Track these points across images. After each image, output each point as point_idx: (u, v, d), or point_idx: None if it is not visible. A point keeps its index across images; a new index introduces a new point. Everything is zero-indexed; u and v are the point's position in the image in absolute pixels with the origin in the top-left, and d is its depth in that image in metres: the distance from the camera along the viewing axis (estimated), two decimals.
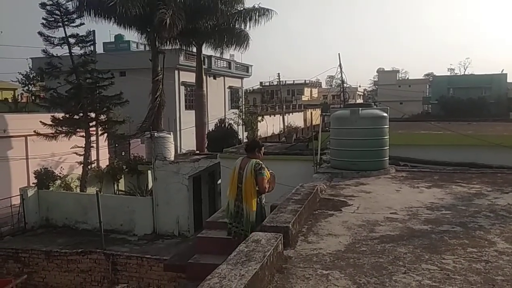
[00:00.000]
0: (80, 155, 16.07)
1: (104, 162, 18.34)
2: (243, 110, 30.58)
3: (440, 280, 2.83)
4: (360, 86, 74.29)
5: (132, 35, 21.62)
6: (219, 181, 14.21)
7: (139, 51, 27.76)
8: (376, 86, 68.27)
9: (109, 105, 16.97)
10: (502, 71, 58.57)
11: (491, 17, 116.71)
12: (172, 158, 15.51)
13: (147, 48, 21.10)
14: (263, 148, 4.99)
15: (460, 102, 47.57)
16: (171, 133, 17.20)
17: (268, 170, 4.75)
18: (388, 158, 7.33)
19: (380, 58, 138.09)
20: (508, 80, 59.30)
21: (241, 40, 20.64)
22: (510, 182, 6.14)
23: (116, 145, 21.47)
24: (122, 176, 17.09)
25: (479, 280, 2.82)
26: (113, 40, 30.97)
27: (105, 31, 62.71)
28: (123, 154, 21.36)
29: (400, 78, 68.09)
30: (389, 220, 4.32)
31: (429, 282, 2.80)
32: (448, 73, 71.47)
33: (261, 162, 4.71)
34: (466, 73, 68.95)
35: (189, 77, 24.58)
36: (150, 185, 16.01)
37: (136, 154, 17.94)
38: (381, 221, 4.29)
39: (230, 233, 4.76)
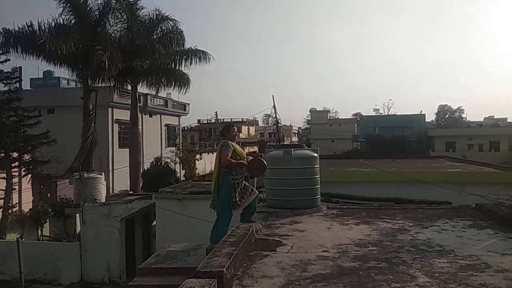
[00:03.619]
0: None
1: (27, 206, 16.99)
2: (181, 148, 30.28)
3: None
4: (293, 126, 77.08)
5: (62, 72, 20.85)
6: (154, 223, 13.74)
7: (70, 88, 26.80)
8: (310, 125, 71.24)
9: (34, 144, 15.99)
10: (421, 111, 64.16)
11: (412, 60, 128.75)
12: (103, 200, 14.79)
13: (79, 84, 20.47)
14: (231, 128, 6.06)
15: (385, 140, 51.09)
16: (103, 173, 16.48)
17: (248, 152, 6.08)
18: (320, 196, 7.62)
19: (312, 98, 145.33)
20: (427, 120, 65.12)
21: (182, 82, 20.82)
22: (429, 217, 6.63)
23: (42, 186, 20.07)
24: (47, 220, 15.90)
25: None
26: (41, 76, 29.59)
27: (33, 66, 59.73)
28: (48, 196, 19.97)
29: (331, 118, 71.75)
30: (321, 259, 4.46)
31: None
32: (374, 113, 76.82)
33: (228, 142, 5.73)
34: (389, 113, 74.52)
35: (124, 115, 24.01)
36: (78, 229, 15.04)
37: (63, 196, 16.88)
38: (314, 260, 4.41)
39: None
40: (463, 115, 79.48)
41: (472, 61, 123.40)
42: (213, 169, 5.86)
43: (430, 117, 74.96)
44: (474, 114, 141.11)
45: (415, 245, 4.93)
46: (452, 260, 4.29)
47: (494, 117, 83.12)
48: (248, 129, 79.00)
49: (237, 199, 5.68)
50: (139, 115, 21.76)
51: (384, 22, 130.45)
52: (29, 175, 16.85)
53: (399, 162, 17.26)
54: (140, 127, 21.23)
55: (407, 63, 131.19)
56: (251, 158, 6.17)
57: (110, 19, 18.75)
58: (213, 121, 58.26)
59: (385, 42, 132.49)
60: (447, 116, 79.25)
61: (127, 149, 21.21)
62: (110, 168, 23.24)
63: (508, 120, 79.93)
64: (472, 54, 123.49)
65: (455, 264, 4.15)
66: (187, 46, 20.24)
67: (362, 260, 4.36)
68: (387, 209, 7.57)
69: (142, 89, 22.30)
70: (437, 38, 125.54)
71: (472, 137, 55.99)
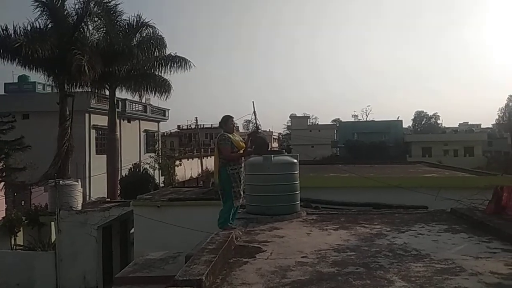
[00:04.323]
0: None
1: (0, 214, 16.47)
2: (160, 154, 29.96)
3: None
4: (274, 131, 77.39)
5: (38, 77, 20.42)
6: (132, 231, 13.52)
7: (45, 93, 26.19)
8: (290, 131, 71.72)
9: (7, 151, 15.56)
10: (398, 117, 65.59)
11: (389, 67, 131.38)
12: (80, 208, 14.46)
13: (55, 89, 20.08)
14: (229, 120, 6.13)
15: (364, 145, 51.89)
16: (79, 180, 16.14)
17: (239, 137, 6.09)
18: (299, 202, 7.66)
19: (293, 103, 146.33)
20: (404, 126, 66.48)
21: (163, 88, 20.65)
22: (406, 222, 6.75)
23: (15, 194, 19.52)
24: (21, 229, 15.42)
25: None
26: (16, 80, 28.87)
27: (7, 71, 58.26)
28: (23, 204, 19.42)
29: (311, 123, 72.43)
30: (300, 265, 4.47)
31: None
32: (353, 119, 77.99)
33: (226, 134, 5.94)
34: (368, 119, 75.83)
35: (101, 121, 23.63)
36: (53, 238, 14.66)
37: (38, 204, 16.44)
38: (293, 266, 4.42)
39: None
40: (438, 121, 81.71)
41: (447, 68, 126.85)
42: (213, 166, 6.31)
43: (407, 123, 76.72)
44: (449, 120, 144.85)
45: (392, 250, 5.01)
46: (428, 264, 4.37)
47: (469, 123, 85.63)
48: None
49: (238, 189, 5.96)
50: (117, 120, 21.46)
51: (363, 29, 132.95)
52: (2, 183, 16.39)
53: (377, 167, 17.51)
54: (118, 133, 20.94)
55: (384, 70, 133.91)
56: (251, 139, 6.41)
57: (89, 23, 18.50)
58: (193, 126, 57.84)
59: (364, 49, 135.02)
60: (423, 122, 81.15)
61: (105, 156, 20.87)
62: (87, 175, 22.81)
63: (482, 126, 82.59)
64: (447, 61, 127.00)
65: (431, 268, 4.23)
66: (172, 52, 20.24)
67: (340, 266, 4.39)
68: (365, 214, 7.67)
69: (121, 94, 22.06)
70: (413, 46, 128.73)
71: (448, 142, 57.46)
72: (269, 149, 6.95)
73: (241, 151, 6.10)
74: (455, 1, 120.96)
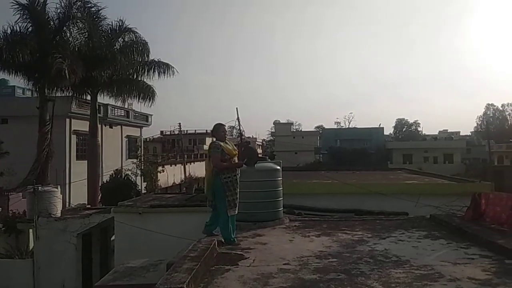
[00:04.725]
0: None
1: None
2: (142, 160, 29.63)
3: None
4: (258, 138, 77.55)
5: (17, 81, 20.02)
6: (113, 238, 13.30)
7: (25, 97, 25.69)
8: (273, 137, 71.92)
9: None
10: (379, 125, 66.50)
11: (372, 74, 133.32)
12: (59, 214, 14.15)
13: (35, 94, 19.70)
14: (220, 128, 6.06)
15: (346, 152, 52.46)
16: (59, 186, 15.81)
17: (231, 145, 5.97)
18: (282, 208, 7.68)
19: (277, 110, 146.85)
20: (385, 133, 67.47)
21: (147, 94, 20.44)
22: (387, 228, 6.84)
23: None
24: None
25: None
26: None
27: None
28: (0, 210, 18.90)
29: (294, 130, 72.80)
30: (282, 272, 4.48)
31: None
32: (335, 126, 78.79)
33: (217, 142, 5.86)
34: (350, 126, 76.71)
35: (82, 126, 23.26)
36: (31, 245, 14.29)
37: (16, 211, 16.03)
38: (275, 273, 4.43)
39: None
40: (419, 129, 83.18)
41: (428, 77, 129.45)
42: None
43: (388, 130, 77.90)
44: (429, 128, 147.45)
45: (373, 256, 5.07)
46: (408, 270, 4.44)
47: (448, 131, 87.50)
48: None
49: (232, 198, 5.79)
50: (99, 126, 21.15)
51: (344, 37, 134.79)
52: None
53: (360, 174, 17.71)
54: (99, 138, 20.64)
55: (367, 78, 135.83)
56: (240, 149, 6.39)
57: (71, 27, 18.24)
58: (176, 132, 57.43)
59: (344, 56, 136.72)
60: (404, 129, 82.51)
61: (86, 161, 20.51)
62: (67, 181, 22.35)
63: (461, 134, 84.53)
64: (428, 70, 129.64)
65: (411, 274, 4.30)
66: (154, 58, 20.05)
67: (322, 272, 4.42)
68: (347, 220, 7.75)
69: (103, 99, 21.77)
70: (395, 55, 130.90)
71: (428, 149, 58.58)
72: (258, 160, 6.85)
73: (235, 159, 5.99)
74: (434, 9, 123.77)
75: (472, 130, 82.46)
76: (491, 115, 77.02)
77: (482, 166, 47.15)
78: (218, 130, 6.07)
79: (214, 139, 6.12)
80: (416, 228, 6.81)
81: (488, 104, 77.30)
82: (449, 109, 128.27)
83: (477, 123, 79.38)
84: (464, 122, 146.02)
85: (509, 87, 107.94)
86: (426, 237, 6.12)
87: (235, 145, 6.32)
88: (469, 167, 54.06)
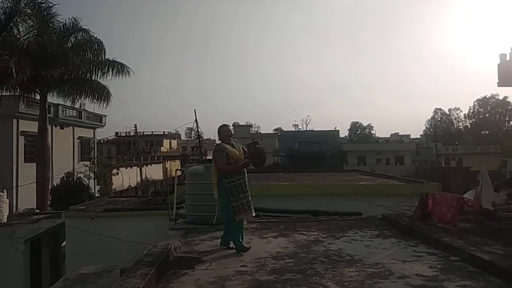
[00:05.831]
0: None
1: None
2: (96, 162, 28.63)
3: None
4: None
5: None
6: (64, 244, 12.74)
7: None
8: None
9: None
10: (335, 128, 68.24)
11: (327, 79, 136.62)
12: (5, 220, 13.38)
13: None
14: (223, 128, 5.81)
15: (304, 154, 53.43)
16: (5, 190, 14.96)
17: (237, 147, 5.72)
18: None
19: (235, 112, 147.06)
20: (341, 136, 69.36)
21: (101, 94, 19.71)
22: (341, 228, 7.03)
23: None
24: None
25: None
26: None
27: None
28: None
29: (254, 132, 73.17)
30: (239, 274, 4.50)
31: None
32: (293, 129, 80.00)
33: (221, 145, 5.64)
34: (307, 128, 78.19)
35: (31, 126, 22.13)
36: None
37: None
38: (232, 276, 4.43)
39: None
40: (372, 132, 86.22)
41: (380, 81, 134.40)
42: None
43: (343, 133, 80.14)
44: (382, 131, 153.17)
45: (328, 256, 5.20)
46: (360, 269, 4.59)
47: (399, 134, 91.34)
48: (170, 142, 77.30)
49: (236, 203, 5.48)
50: (49, 126, 20.20)
51: (300, 41, 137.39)
52: None
53: (316, 175, 18.10)
54: (49, 140, 19.70)
55: (324, 82, 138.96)
56: (249, 149, 5.96)
57: (19, 24, 17.32)
58: (132, 133, 55.95)
59: (301, 60, 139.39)
60: (358, 132, 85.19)
61: (34, 164, 19.53)
62: (14, 185, 21.19)
63: (411, 137, 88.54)
64: (380, 75, 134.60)
65: (363, 273, 4.45)
66: (109, 57, 19.41)
67: (278, 273, 4.48)
68: (304, 221, 7.89)
69: (53, 99, 20.83)
70: (348, 60, 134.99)
71: (380, 152, 60.91)
72: (265, 161, 6.25)
73: (242, 163, 5.66)
74: (389, 15, 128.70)
75: (422, 133, 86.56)
76: (439, 119, 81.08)
77: (430, 168, 49.69)
78: (221, 131, 5.82)
79: (220, 141, 5.86)
80: (368, 227, 7.05)
81: (436, 109, 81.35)
82: (399, 113, 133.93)
83: (426, 127, 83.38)
84: (414, 126, 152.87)
85: (455, 93, 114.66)
86: (378, 236, 6.35)
87: (244, 146, 5.97)
88: (418, 169, 56.82)
